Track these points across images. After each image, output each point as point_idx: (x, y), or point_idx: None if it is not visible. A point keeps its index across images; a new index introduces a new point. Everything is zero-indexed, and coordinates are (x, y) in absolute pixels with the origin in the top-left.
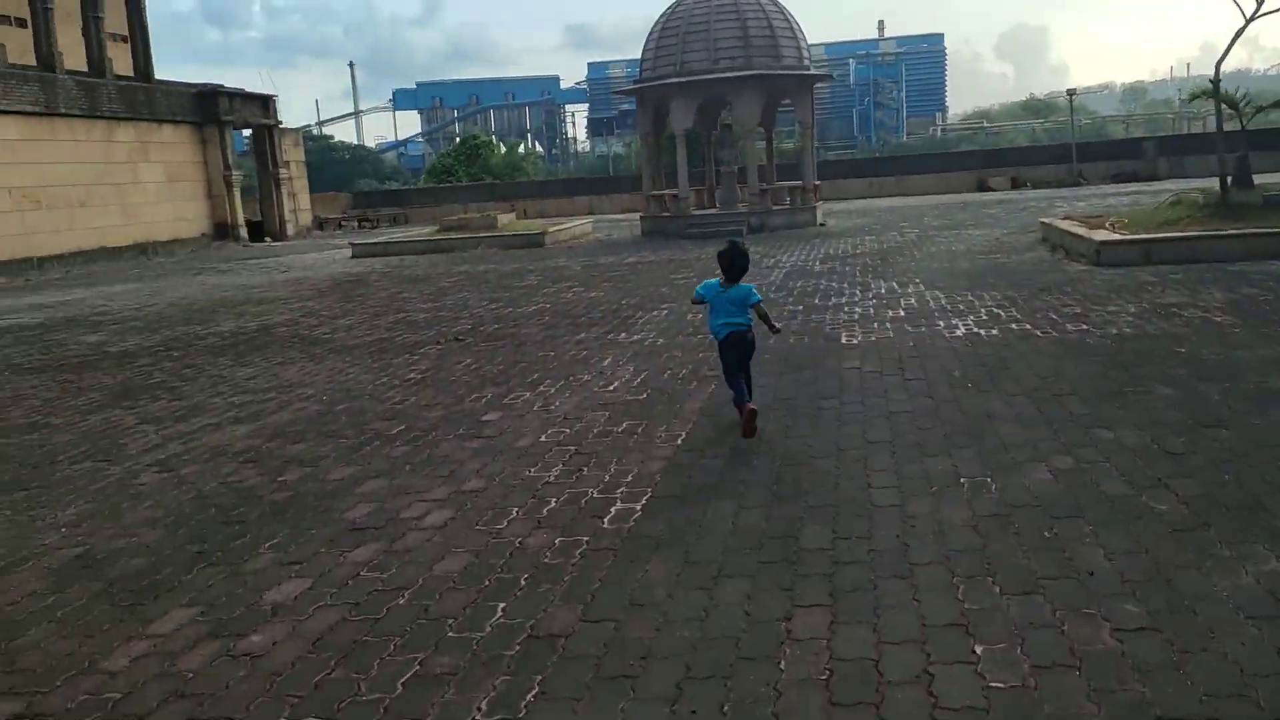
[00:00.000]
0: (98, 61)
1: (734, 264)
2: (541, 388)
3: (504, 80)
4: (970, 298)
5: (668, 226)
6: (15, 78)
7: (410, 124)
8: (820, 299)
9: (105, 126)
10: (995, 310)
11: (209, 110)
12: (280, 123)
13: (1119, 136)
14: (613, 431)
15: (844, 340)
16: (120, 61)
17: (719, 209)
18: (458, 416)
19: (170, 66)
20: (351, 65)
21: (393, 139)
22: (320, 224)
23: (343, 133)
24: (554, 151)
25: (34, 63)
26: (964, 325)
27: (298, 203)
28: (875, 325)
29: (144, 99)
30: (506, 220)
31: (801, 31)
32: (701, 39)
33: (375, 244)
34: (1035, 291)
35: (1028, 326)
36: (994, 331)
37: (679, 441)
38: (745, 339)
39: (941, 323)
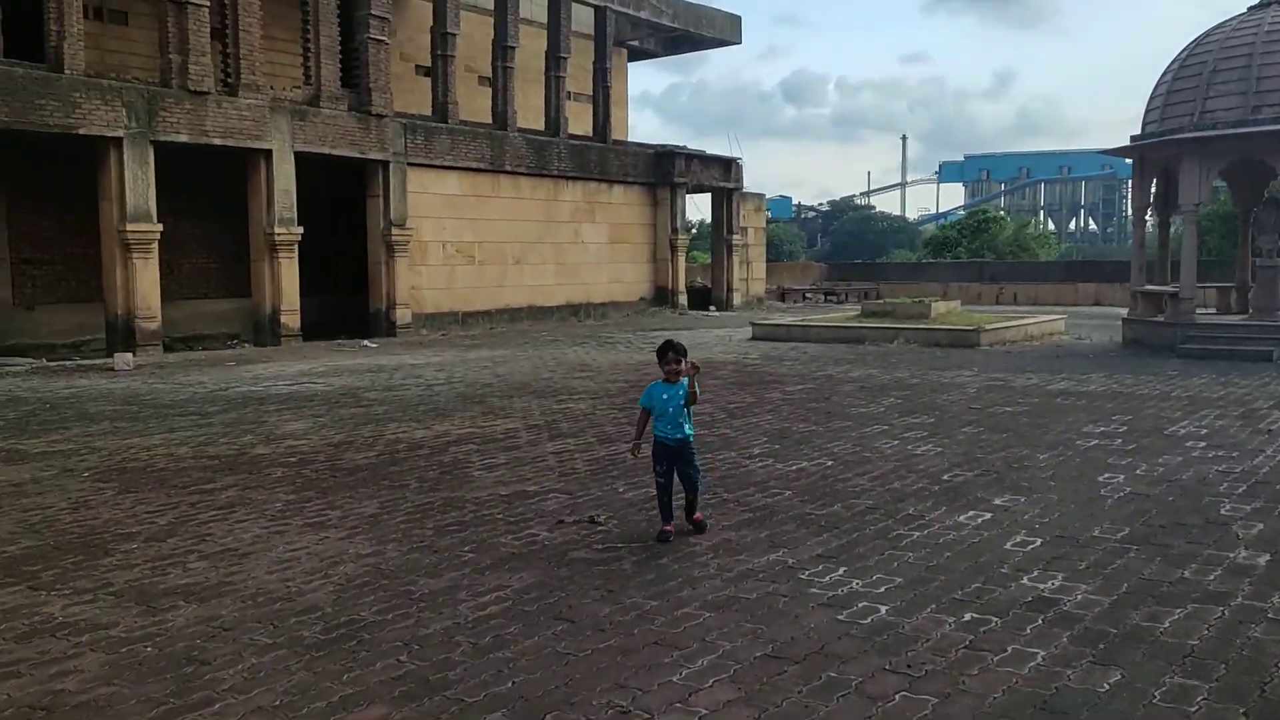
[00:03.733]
0: (553, 121)
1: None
2: None
3: (1060, 153)
4: None
5: (1157, 335)
6: (464, 134)
7: (957, 196)
8: None
9: (551, 185)
10: None
11: (664, 171)
12: (740, 187)
13: None
14: None
15: None
16: (581, 124)
17: (1248, 316)
18: None
19: (749, 141)
20: (904, 138)
21: (933, 211)
22: (783, 294)
23: (888, 204)
24: (1108, 229)
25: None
26: None
27: (751, 271)
28: None
29: (595, 159)
30: (946, 309)
31: None
32: (1236, 79)
33: (778, 326)
34: None
35: None
36: None
37: None
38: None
39: None
